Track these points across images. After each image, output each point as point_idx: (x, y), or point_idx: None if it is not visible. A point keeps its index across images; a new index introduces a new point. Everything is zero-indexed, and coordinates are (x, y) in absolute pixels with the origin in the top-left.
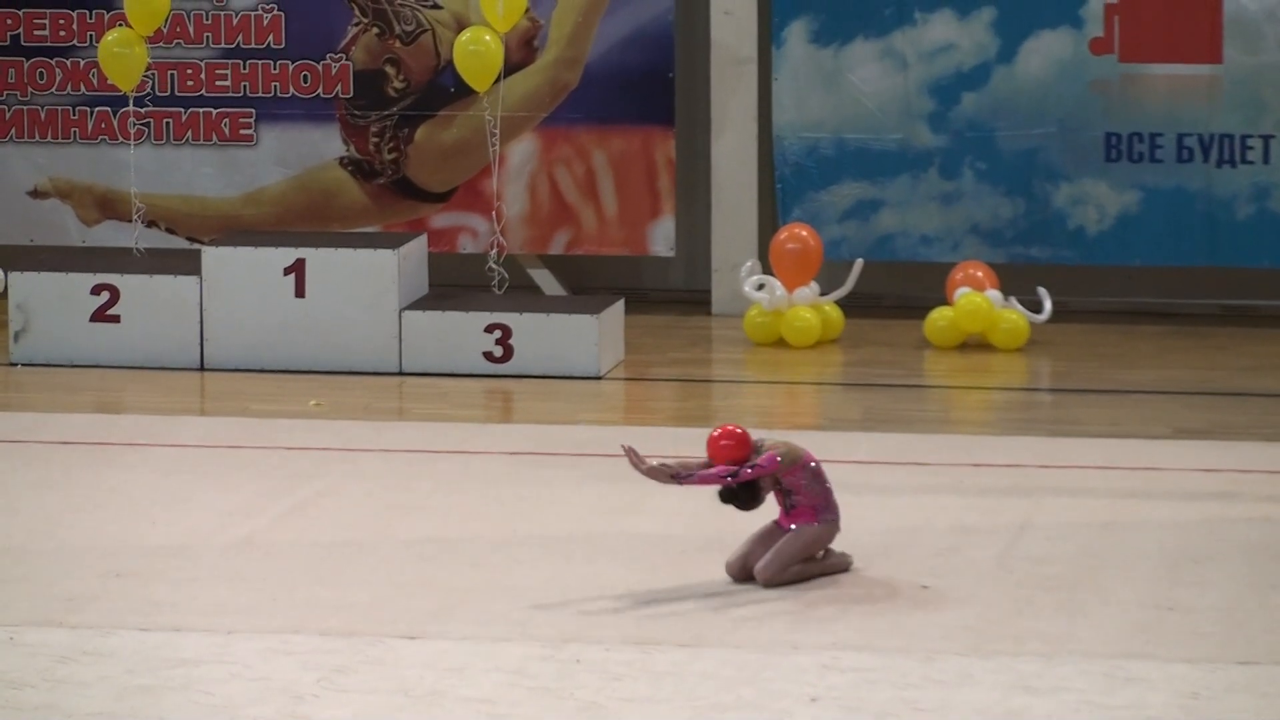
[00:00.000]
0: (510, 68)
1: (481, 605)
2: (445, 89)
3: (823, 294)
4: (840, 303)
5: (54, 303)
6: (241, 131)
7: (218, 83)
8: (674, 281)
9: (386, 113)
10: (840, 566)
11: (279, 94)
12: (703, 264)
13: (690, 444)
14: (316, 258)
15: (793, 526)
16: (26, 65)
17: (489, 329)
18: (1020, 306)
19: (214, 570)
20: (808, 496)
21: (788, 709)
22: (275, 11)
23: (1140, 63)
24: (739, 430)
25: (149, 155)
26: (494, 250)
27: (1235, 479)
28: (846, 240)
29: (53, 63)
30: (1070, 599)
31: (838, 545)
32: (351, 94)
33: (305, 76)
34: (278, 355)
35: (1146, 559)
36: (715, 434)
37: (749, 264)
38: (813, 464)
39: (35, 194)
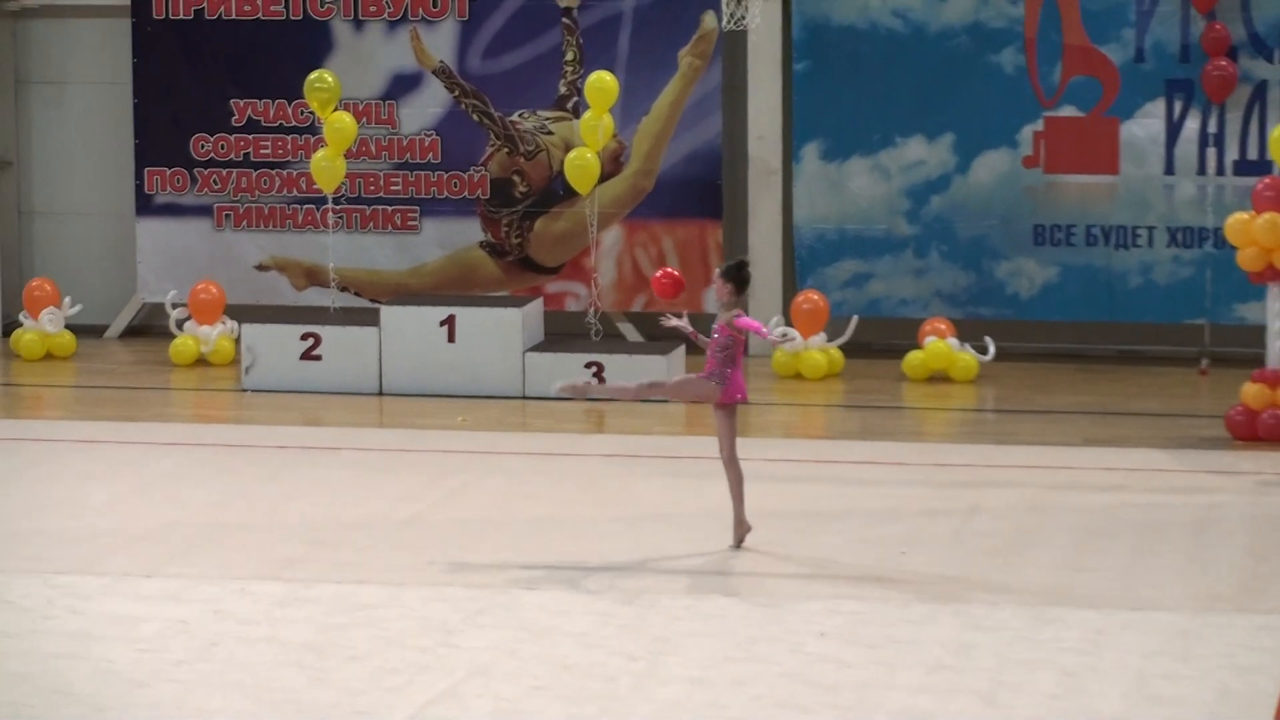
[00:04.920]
0: (603, 177)
1: (581, 565)
2: (556, 192)
3: (829, 341)
4: (842, 347)
5: (273, 346)
6: (409, 222)
7: (392, 187)
8: None
9: (514, 210)
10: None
11: (436, 195)
12: None
13: None
14: (464, 314)
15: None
16: (254, 175)
17: (588, 365)
18: (972, 350)
19: (388, 540)
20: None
21: (802, 640)
22: (434, 136)
23: (1060, 173)
24: (674, 273)
25: (342, 239)
26: (592, 308)
27: (1127, 475)
28: (846, 302)
29: (274, 173)
30: (1007, 563)
31: None
32: (489, 196)
33: (455, 183)
34: (435, 384)
35: (1063, 533)
36: (658, 274)
37: (775, 319)
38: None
39: (260, 268)
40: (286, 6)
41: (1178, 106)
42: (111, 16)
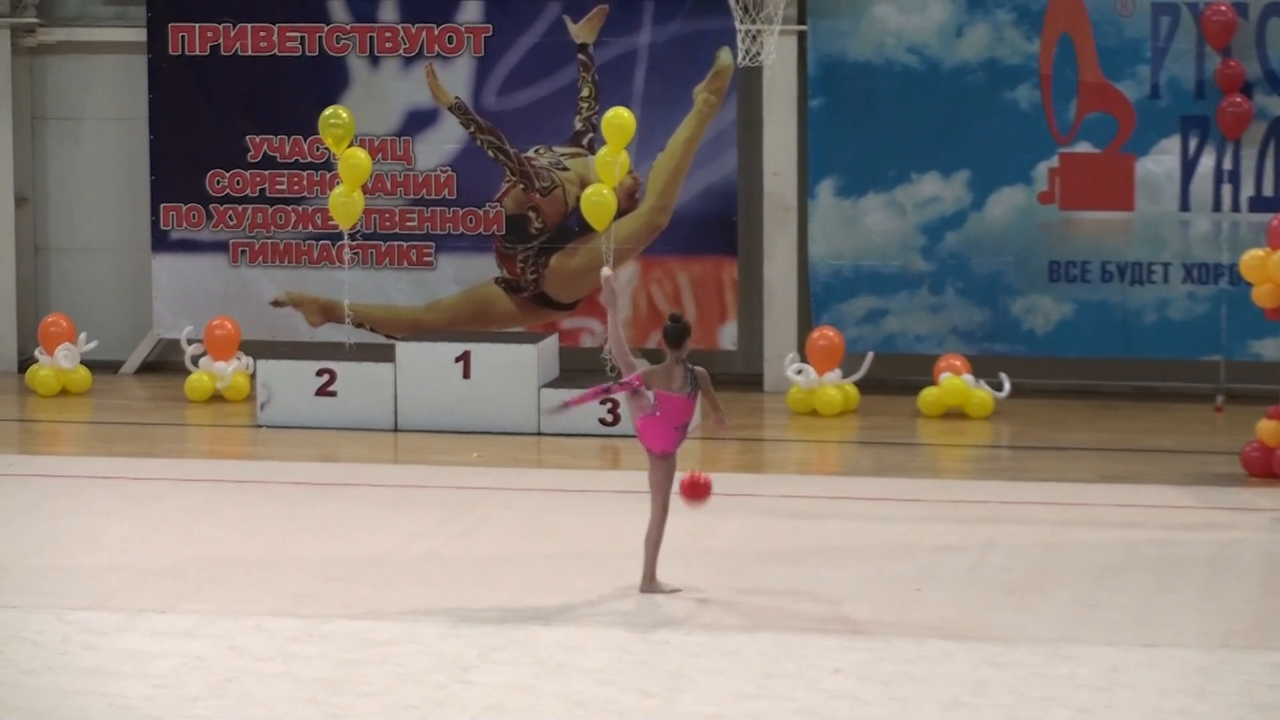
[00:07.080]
0: (619, 213)
1: (596, 601)
2: (572, 228)
3: (844, 377)
4: (857, 383)
5: (289, 382)
6: (425, 258)
7: (408, 223)
8: (736, 368)
9: (529, 245)
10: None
11: (452, 231)
12: (757, 355)
13: (748, 485)
14: (479, 350)
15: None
16: (270, 210)
17: (603, 402)
18: (987, 386)
19: (404, 576)
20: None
21: (818, 678)
22: (450, 172)
23: (1075, 210)
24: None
25: (358, 275)
26: (607, 345)
27: (1142, 512)
28: (862, 338)
29: (290, 209)
30: (1023, 599)
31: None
32: (504, 231)
33: (471, 219)
34: (450, 420)
35: (1078, 569)
36: (686, 480)
37: (790, 355)
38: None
39: (276, 304)
40: (302, 43)
41: (1193, 143)
42: (127, 53)
